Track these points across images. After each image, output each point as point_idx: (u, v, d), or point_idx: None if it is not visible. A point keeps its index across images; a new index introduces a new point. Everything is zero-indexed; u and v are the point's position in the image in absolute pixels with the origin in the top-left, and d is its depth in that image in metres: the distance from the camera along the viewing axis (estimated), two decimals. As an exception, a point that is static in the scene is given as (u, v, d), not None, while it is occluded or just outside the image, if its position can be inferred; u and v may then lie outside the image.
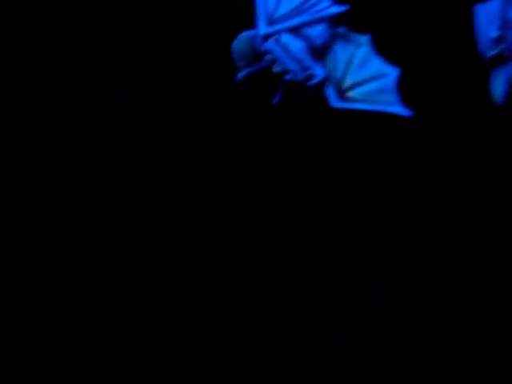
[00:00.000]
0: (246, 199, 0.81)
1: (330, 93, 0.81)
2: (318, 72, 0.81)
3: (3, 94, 0.87)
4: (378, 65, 0.82)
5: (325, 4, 0.82)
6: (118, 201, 0.83)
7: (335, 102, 0.81)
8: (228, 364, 0.78)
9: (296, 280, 0.79)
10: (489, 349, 0.75)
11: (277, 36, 0.82)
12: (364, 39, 0.82)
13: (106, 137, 0.85)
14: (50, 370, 0.80)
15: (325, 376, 0.76)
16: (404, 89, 0.81)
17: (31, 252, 0.82)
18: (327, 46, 0.82)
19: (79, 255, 0.82)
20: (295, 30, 0.82)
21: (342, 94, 0.81)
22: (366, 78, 0.82)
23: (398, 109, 0.81)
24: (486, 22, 0.80)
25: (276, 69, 0.82)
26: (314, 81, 0.81)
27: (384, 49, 0.82)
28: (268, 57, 0.82)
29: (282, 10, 0.82)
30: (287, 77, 0.81)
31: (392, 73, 0.81)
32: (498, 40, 0.79)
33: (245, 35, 0.83)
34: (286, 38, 0.81)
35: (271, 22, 0.82)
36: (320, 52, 0.82)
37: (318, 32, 0.82)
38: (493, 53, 0.79)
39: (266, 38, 0.82)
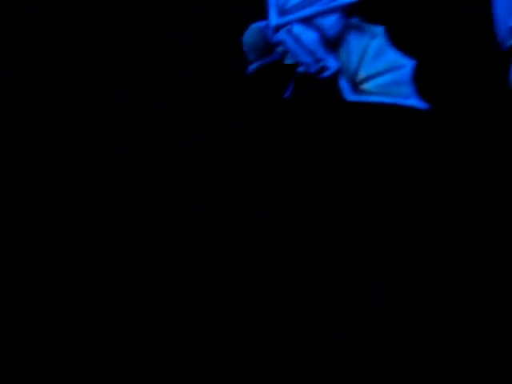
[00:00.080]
0: (246, 199, 0.81)
1: (344, 85, 0.80)
2: (331, 64, 0.79)
3: (3, 94, 0.87)
4: (393, 56, 0.80)
5: None
6: (118, 201, 0.83)
7: (349, 95, 0.79)
8: (228, 364, 0.78)
9: (296, 280, 0.79)
10: (489, 349, 0.75)
11: (288, 27, 0.80)
12: (378, 30, 0.80)
13: (105, 137, 0.85)
14: (50, 370, 0.80)
15: (325, 376, 0.76)
16: (420, 81, 0.79)
17: (31, 252, 0.82)
18: (340, 37, 0.80)
19: (79, 255, 0.82)
20: (307, 21, 0.80)
21: (356, 86, 0.80)
22: (380, 70, 0.80)
23: (414, 101, 0.79)
24: (505, 12, 0.78)
25: (288, 61, 0.80)
26: (327, 73, 0.80)
27: (399, 40, 0.80)
28: (279, 48, 0.80)
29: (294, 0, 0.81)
30: (299, 69, 0.80)
31: (408, 65, 0.79)
32: None
33: (256, 26, 0.81)
34: (298, 29, 0.79)
35: (283, 12, 0.80)
36: (333, 43, 0.80)
37: (331, 22, 0.80)
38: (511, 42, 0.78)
39: (278, 29, 0.80)
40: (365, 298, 0.77)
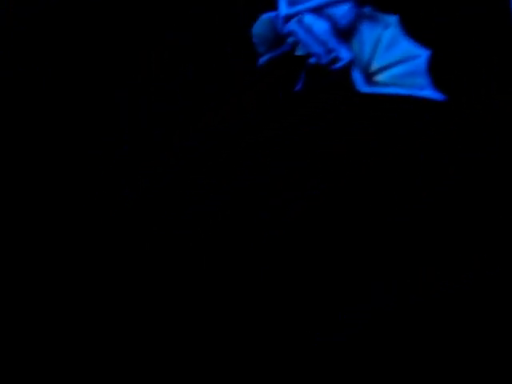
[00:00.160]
0: (246, 199, 0.81)
1: (357, 77, 0.78)
2: (344, 55, 0.77)
3: (3, 94, 0.87)
4: (407, 47, 0.78)
5: None
6: (118, 201, 0.83)
7: (362, 87, 0.78)
8: (228, 364, 0.78)
9: (296, 280, 0.79)
10: (489, 349, 0.75)
11: (299, 17, 0.78)
12: (392, 19, 0.78)
13: (105, 137, 0.85)
14: (50, 370, 0.80)
15: (325, 376, 0.76)
16: (435, 71, 0.78)
17: (31, 252, 0.82)
18: (353, 27, 0.78)
19: (79, 255, 0.82)
20: (319, 10, 0.77)
21: (369, 77, 0.78)
22: (394, 60, 0.78)
23: (430, 92, 0.77)
24: None
25: (299, 52, 0.78)
26: (340, 64, 0.78)
27: (413, 29, 0.79)
28: (290, 39, 0.78)
29: None
30: (311, 60, 0.78)
31: (422, 55, 0.77)
32: None
33: (265, 17, 0.80)
34: (309, 19, 0.77)
35: (293, 2, 0.78)
36: (345, 33, 0.78)
37: (342, 12, 0.77)
38: None
39: (288, 19, 0.78)
40: (365, 297, 0.77)
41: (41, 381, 0.80)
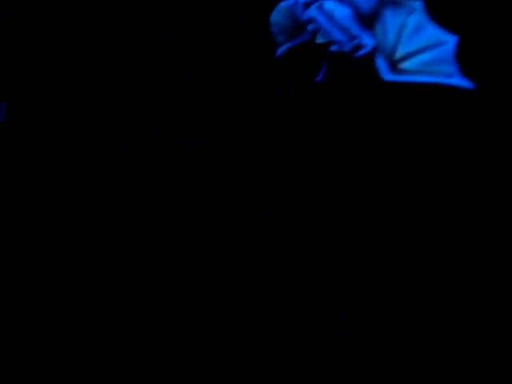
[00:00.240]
0: (246, 199, 0.81)
1: (381, 64, 0.75)
2: (367, 41, 0.74)
3: (3, 94, 0.87)
4: (433, 32, 0.74)
5: None
6: (118, 201, 0.83)
7: (387, 75, 0.75)
8: (228, 364, 0.78)
9: (296, 280, 0.79)
10: (489, 349, 0.75)
11: (319, 3, 0.74)
12: (417, 4, 0.75)
13: (106, 137, 0.85)
14: (50, 370, 0.80)
15: (325, 376, 0.76)
16: (463, 58, 0.75)
17: (31, 252, 0.82)
18: (376, 13, 0.74)
19: (79, 255, 0.82)
20: None
21: (394, 65, 0.74)
22: (420, 47, 0.74)
23: (458, 80, 0.74)
24: None
25: (319, 40, 0.75)
26: (363, 51, 0.75)
27: (439, 14, 0.75)
28: (310, 27, 0.75)
29: None
30: (332, 48, 0.75)
31: (449, 41, 0.74)
32: None
33: (284, 5, 0.76)
34: (329, 5, 0.74)
35: None
36: (368, 19, 0.74)
37: None
38: None
39: (308, 5, 0.75)
40: (365, 297, 0.77)
41: (41, 381, 0.80)
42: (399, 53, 0.75)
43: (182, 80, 0.86)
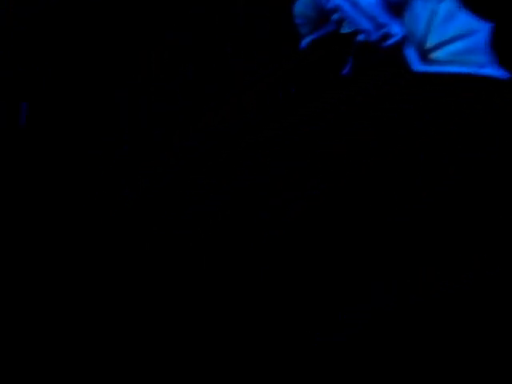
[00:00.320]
0: (246, 199, 0.81)
1: (411, 54, 0.72)
2: (396, 30, 0.71)
3: (3, 94, 0.87)
4: (465, 20, 0.71)
5: None
6: (118, 201, 0.83)
7: (417, 65, 0.72)
8: (228, 364, 0.78)
9: (296, 280, 0.79)
10: (489, 349, 0.75)
11: None
12: None
13: (106, 137, 0.85)
14: (50, 370, 0.80)
15: (325, 376, 0.76)
16: (497, 47, 0.72)
17: (31, 251, 0.82)
18: (405, 0, 0.71)
19: (79, 255, 0.82)
20: None
21: (424, 55, 0.71)
22: (452, 36, 0.71)
23: (492, 70, 0.71)
24: None
25: (345, 30, 0.72)
26: (391, 41, 0.72)
27: (471, 1, 0.72)
28: (335, 16, 0.72)
29: None
30: (359, 38, 0.71)
31: (483, 29, 0.71)
32: None
33: None
34: None
35: None
36: (396, 7, 0.71)
37: None
38: None
39: None
40: (365, 298, 0.77)
41: (41, 381, 0.80)
42: (430, 42, 0.72)
43: (182, 80, 0.86)
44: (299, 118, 0.83)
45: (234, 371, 0.78)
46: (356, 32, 0.72)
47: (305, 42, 0.75)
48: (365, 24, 0.71)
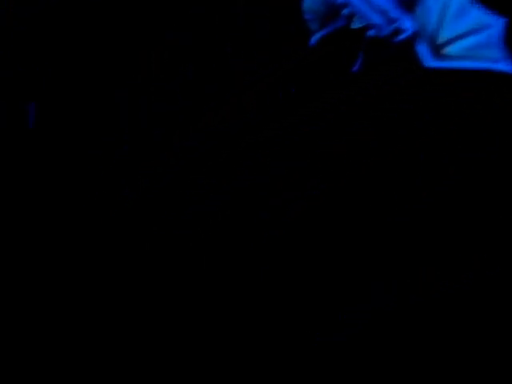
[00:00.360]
0: (246, 199, 0.81)
1: (423, 50, 0.70)
2: (407, 25, 0.69)
3: (3, 94, 0.87)
4: (478, 15, 0.70)
5: None
6: (118, 201, 0.83)
7: (429, 61, 0.70)
8: (228, 364, 0.78)
9: (296, 280, 0.79)
10: (489, 349, 0.75)
11: None
12: None
13: (106, 137, 0.85)
14: (50, 369, 0.80)
15: (325, 376, 0.76)
16: (511, 43, 0.71)
17: (31, 251, 0.82)
18: None
19: (79, 255, 0.82)
20: None
21: (436, 50, 0.70)
22: (464, 31, 0.70)
23: (506, 66, 0.70)
24: None
25: (355, 25, 0.71)
26: (403, 36, 0.70)
27: None
28: (345, 11, 0.70)
29: None
30: (369, 33, 0.70)
31: (496, 24, 0.70)
32: None
33: None
34: None
35: None
36: (408, 1, 0.70)
37: None
38: None
39: None
40: (365, 298, 0.77)
41: (41, 381, 0.80)
42: (442, 37, 0.71)
43: (182, 80, 0.86)
44: (299, 117, 0.83)
45: (234, 371, 0.78)
46: (367, 27, 0.70)
47: (314, 38, 0.73)
48: (376, 19, 0.70)
